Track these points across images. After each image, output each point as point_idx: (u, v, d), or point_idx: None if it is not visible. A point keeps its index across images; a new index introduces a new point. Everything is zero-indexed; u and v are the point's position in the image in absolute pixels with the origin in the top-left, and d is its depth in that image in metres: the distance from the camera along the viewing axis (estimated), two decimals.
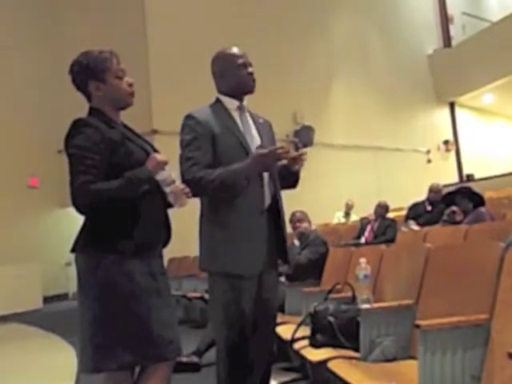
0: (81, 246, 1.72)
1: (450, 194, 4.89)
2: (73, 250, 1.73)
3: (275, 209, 2.13)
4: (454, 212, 4.50)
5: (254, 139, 2.13)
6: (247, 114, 2.21)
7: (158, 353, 1.68)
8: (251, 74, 2.15)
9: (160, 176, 1.72)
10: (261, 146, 2.01)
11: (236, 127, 2.12)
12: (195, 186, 1.92)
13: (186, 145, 2.06)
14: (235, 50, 2.18)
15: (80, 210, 1.66)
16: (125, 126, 1.89)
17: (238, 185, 2.00)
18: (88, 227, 1.73)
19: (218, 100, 2.21)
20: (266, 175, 2.10)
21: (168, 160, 1.79)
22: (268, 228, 2.10)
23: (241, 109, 2.18)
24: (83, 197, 1.64)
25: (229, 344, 2.04)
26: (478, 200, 4.55)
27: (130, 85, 1.83)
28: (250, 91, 2.18)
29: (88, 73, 1.78)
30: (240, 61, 2.14)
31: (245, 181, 2.00)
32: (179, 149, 2.10)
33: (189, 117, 2.10)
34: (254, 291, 2.09)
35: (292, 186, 2.27)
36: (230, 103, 2.17)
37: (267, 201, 2.10)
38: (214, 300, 2.14)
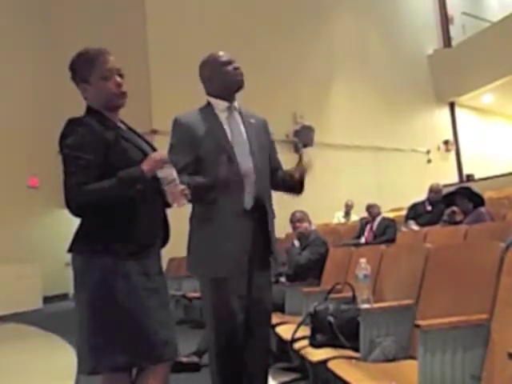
0: (77, 246, 1.71)
1: (449, 194, 4.89)
2: (70, 250, 1.72)
3: (262, 210, 2.13)
4: (453, 212, 4.50)
5: (241, 140, 2.15)
6: (236, 115, 2.21)
7: (155, 354, 1.67)
8: (237, 68, 2.17)
9: (161, 173, 1.71)
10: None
11: (220, 129, 2.14)
12: None
13: (169, 149, 2.11)
14: (220, 52, 2.21)
15: (73, 212, 1.64)
16: (125, 125, 1.88)
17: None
18: (84, 227, 1.72)
19: (208, 103, 2.23)
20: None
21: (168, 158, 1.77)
22: (253, 229, 2.10)
23: (230, 109, 2.19)
24: (76, 198, 1.63)
25: (218, 348, 2.05)
26: (477, 200, 4.54)
27: (119, 85, 1.76)
28: (240, 86, 2.19)
29: (76, 74, 1.78)
30: (224, 58, 2.17)
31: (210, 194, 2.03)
32: None
33: (175, 120, 2.16)
34: (244, 292, 2.10)
35: (297, 193, 2.28)
36: (220, 105, 2.19)
37: (249, 202, 2.10)
38: (204, 302, 2.17)
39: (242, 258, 2.06)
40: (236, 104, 2.22)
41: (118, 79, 1.76)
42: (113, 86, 1.75)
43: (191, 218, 2.17)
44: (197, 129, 2.11)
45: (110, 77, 1.75)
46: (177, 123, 2.15)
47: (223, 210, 2.05)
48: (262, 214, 2.13)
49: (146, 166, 1.69)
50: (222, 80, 2.17)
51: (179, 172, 1.92)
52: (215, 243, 2.05)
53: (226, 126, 2.15)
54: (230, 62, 2.16)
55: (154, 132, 8.35)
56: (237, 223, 2.06)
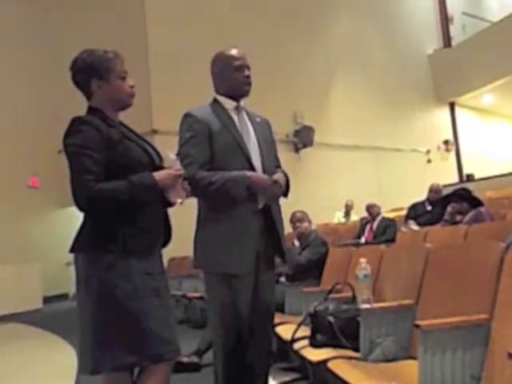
0: (80, 245, 1.71)
1: (447, 196, 4.90)
2: (72, 250, 1.73)
3: (269, 209, 2.14)
4: (455, 211, 4.49)
5: (251, 138, 2.17)
6: (244, 114, 2.23)
7: (156, 353, 1.67)
8: (247, 77, 2.18)
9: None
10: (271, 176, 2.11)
11: (233, 126, 2.16)
12: (193, 186, 1.93)
13: (184, 142, 2.10)
14: (234, 51, 2.21)
15: (82, 208, 1.67)
16: (124, 126, 1.88)
17: (236, 193, 2.03)
18: (87, 227, 1.72)
19: (215, 100, 2.24)
20: None
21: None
22: (262, 228, 2.12)
23: (238, 109, 2.22)
24: (85, 196, 1.64)
25: (226, 347, 2.04)
26: (475, 203, 4.53)
27: (131, 87, 1.84)
28: (244, 95, 2.22)
29: (92, 71, 1.78)
30: (237, 63, 2.17)
31: (244, 191, 2.04)
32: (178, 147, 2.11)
33: (187, 115, 2.14)
34: (251, 290, 2.10)
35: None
36: (228, 103, 2.21)
37: (261, 201, 2.12)
38: (210, 301, 2.16)
39: (254, 256, 2.08)
40: (242, 103, 2.25)
41: (131, 82, 1.84)
42: (127, 87, 1.82)
43: (199, 215, 2.16)
44: (212, 123, 2.11)
45: (125, 78, 1.82)
46: (191, 117, 2.12)
47: (241, 208, 2.06)
48: (270, 212, 2.15)
49: (161, 182, 1.70)
50: (229, 84, 2.18)
51: (200, 167, 2.00)
52: (230, 240, 2.05)
53: (237, 124, 2.17)
54: (242, 68, 2.17)
55: (154, 132, 8.36)
56: (252, 221, 2.08)
